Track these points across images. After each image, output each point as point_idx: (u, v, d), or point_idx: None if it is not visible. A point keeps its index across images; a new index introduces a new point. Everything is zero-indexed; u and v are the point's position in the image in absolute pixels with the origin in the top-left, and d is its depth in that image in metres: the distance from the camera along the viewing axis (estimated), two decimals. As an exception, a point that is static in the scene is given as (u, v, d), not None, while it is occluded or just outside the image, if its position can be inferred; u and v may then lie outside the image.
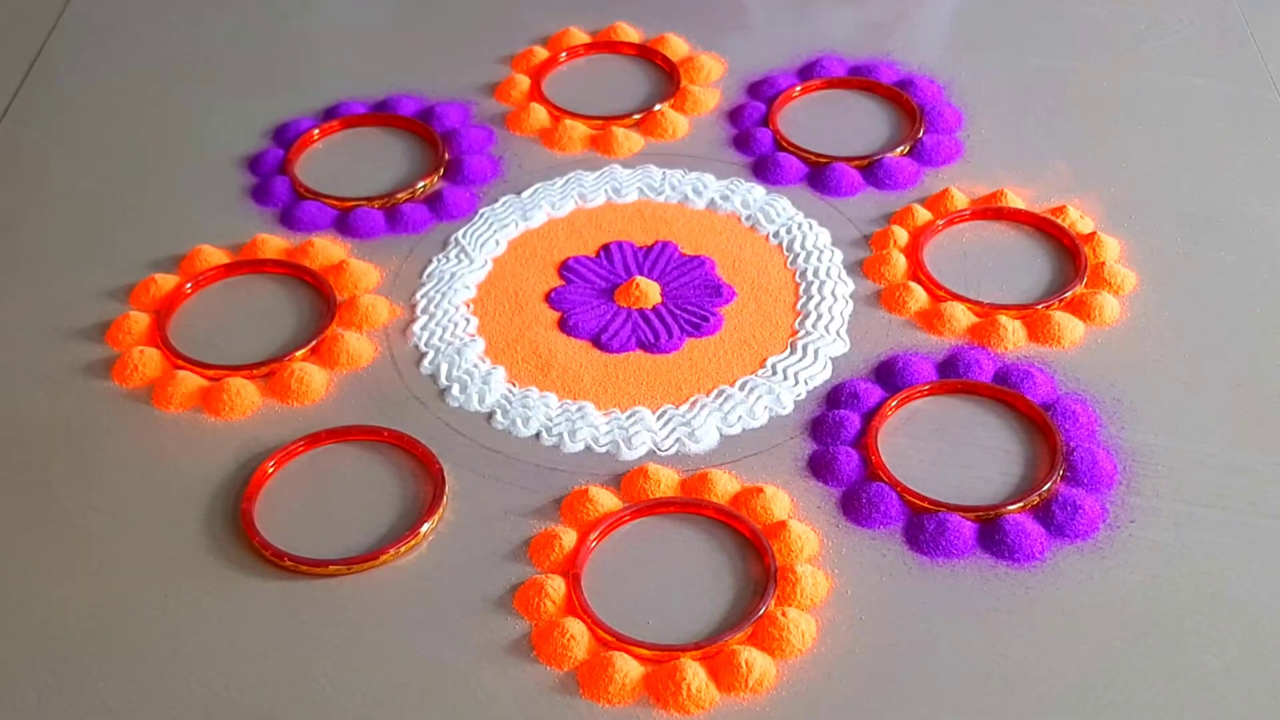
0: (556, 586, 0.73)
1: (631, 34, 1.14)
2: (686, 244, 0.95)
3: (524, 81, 1.09)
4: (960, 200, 0.96)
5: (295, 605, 0.73)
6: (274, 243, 0.95)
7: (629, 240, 0.96)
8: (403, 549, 0.75)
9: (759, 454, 0.81)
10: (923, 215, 0.95)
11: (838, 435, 0.81)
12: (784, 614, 0.71)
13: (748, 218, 0.97)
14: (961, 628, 0.72)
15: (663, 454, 0.81)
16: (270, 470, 0.80)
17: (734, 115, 1.06)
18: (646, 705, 0.69)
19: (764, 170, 1.00)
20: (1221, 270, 0.91)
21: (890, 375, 0.85)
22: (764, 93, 1.07)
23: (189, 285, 0.92)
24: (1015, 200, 0.96)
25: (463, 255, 0.95)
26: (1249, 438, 0.81)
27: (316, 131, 1.04)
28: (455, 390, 0.85)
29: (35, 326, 0.90)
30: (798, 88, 1.07)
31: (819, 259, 0.93)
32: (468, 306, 0.91)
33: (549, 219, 0.98)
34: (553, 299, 0.91)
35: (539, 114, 1.06)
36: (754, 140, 1.03)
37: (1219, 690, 0.68)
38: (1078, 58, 1.11)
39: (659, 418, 0.83)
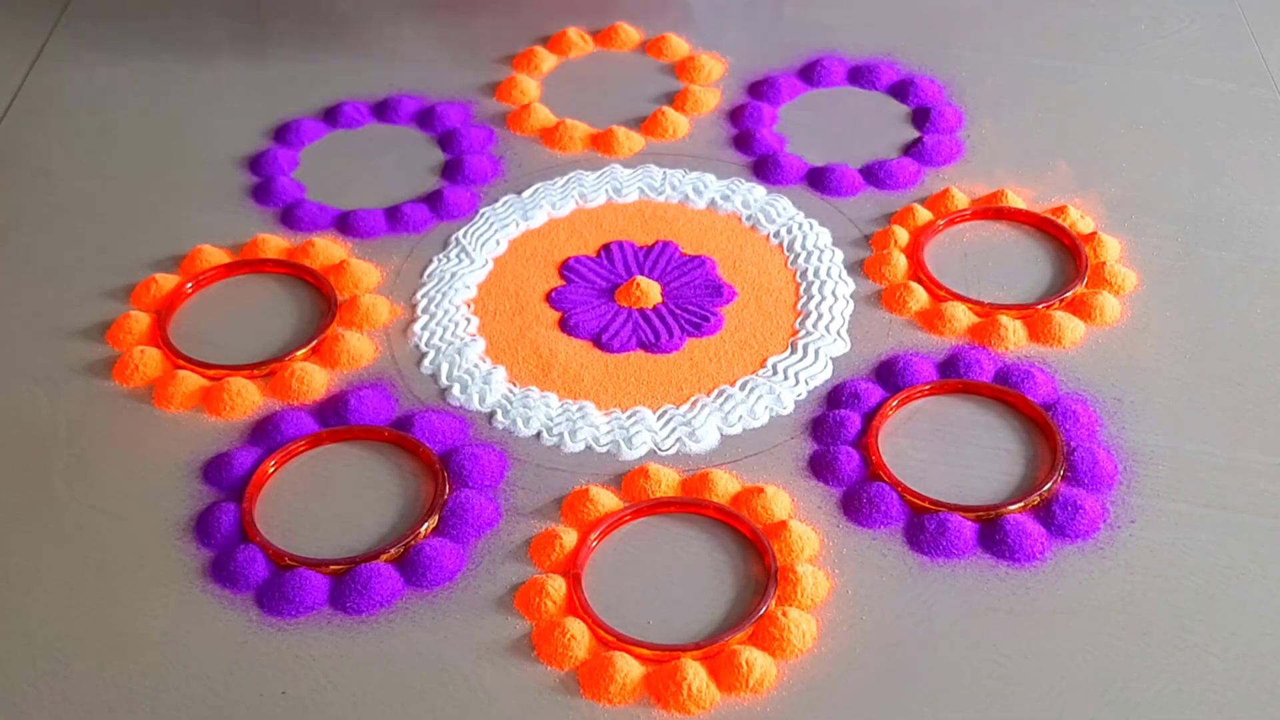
0: (557, 586, 0.73)
1: (632, 34, 1.14)
2: (687, 244, 0.95)
3: (524, 81, 1.09)
4: (961, 200, 0.96)
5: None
6: (274, 242, 0.95)
7: (629, 240, 0.95)
8: (403, 548, 0.76)
9: (759, 454, 0.81)
10: (923, 215, 0.95)
11: (838, 435, 0.81)
12: (785, 614, 0.71)
13: (748, 218, 0.97)
14: (961, 628, 0.71)
15: (663, 454, 0.81)
16: (270, 470, 0.80)
17: (734, 115, 1.06)
18: (647, 705, 0.69)
19: (764, 170, 1.00)
20: (1221, 270, 0.91)
21: (891, 375, 0.85)
22: (764, 93, 1.07)
23: (189, 285, 0.92)
24: (1016, 200, 0.96)
25: (463, 255, 0.95)
26: (1249, 438, 0.81)
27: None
28: (456, 390, 0.85)
29: (35, 326, 0.90)
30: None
31: (819, 259, 0.93)
32: (468, 306, 0.91)
33: (549, 219, 0.98)
34: (553, 299, 0.91)
35: (540, 114, 1.06)
36: (754, 140, 1.03)
37: (1219, 690, 0.68)
38: (1078, 58, 1.11)
39: (659, 417, 0.83)
